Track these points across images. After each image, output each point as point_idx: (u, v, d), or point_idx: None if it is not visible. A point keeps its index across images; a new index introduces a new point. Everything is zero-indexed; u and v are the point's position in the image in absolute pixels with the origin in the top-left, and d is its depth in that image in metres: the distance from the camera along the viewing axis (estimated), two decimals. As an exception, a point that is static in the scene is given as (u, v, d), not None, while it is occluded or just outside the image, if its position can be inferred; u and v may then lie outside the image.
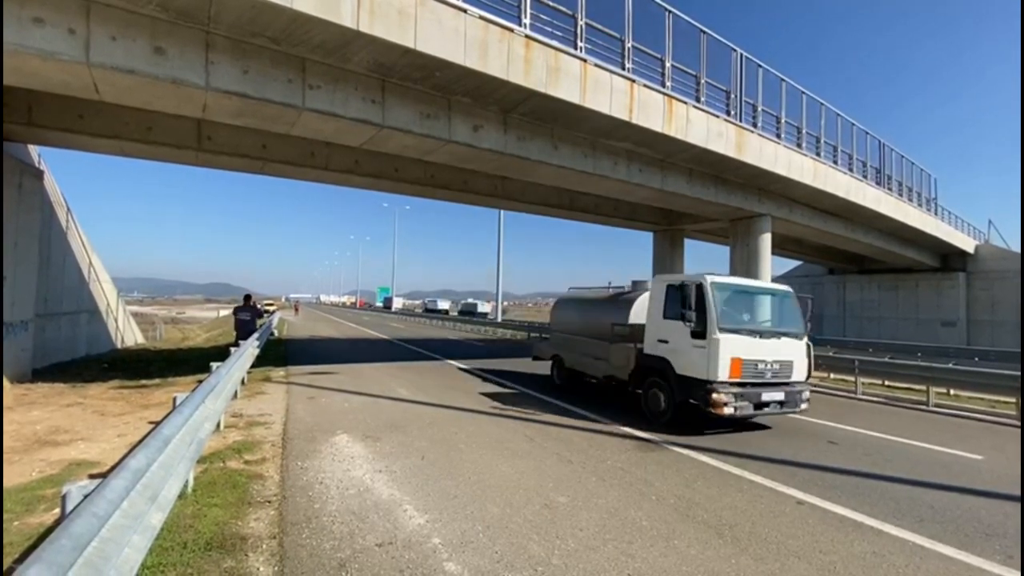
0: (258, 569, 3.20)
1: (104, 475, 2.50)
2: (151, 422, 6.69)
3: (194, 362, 13.14)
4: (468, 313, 60.45)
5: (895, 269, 28.67)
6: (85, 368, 11.88)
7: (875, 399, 10.78)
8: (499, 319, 37.94)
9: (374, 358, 15.45)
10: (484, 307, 63.45)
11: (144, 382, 10.20)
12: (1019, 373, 9.40)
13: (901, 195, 20.09)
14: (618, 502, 4.46)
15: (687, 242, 20.70)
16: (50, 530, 2.86)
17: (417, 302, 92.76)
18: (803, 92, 14.86)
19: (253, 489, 4.51)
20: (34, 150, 11.17)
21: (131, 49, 6.43)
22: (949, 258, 27.10)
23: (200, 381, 5.38)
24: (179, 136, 9.60)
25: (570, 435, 6.80)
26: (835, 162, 15.95)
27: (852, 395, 11.13)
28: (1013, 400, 9.21)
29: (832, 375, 13.49)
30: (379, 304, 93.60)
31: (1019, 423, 8.61)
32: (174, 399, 4.31)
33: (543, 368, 14.08)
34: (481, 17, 7.88)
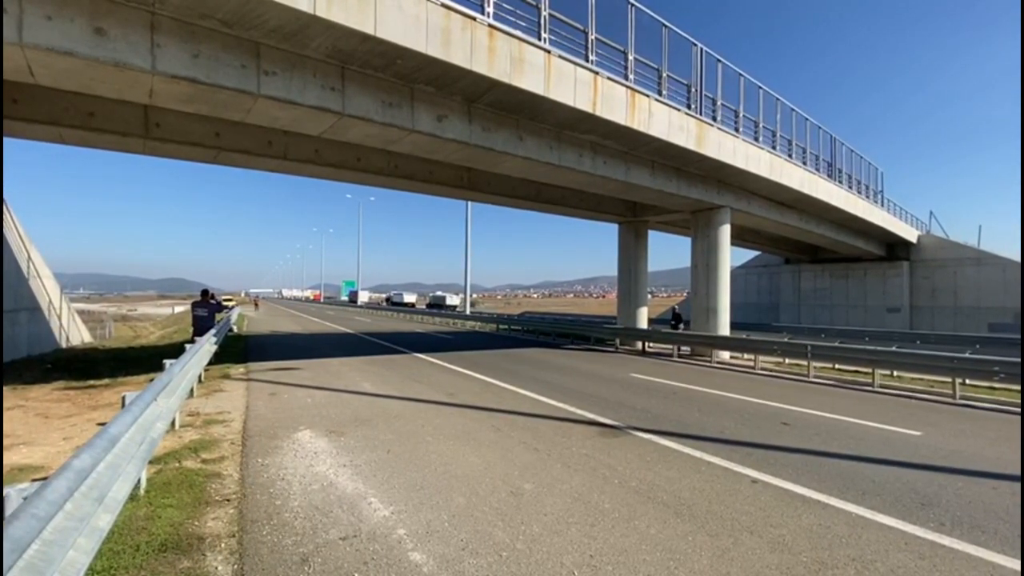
0: (216, 568, 3.12)
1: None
2: (100, 424, 6.40)
3: (147, 361, 12.60)
4: (437, 306, 60.12)
5: (846, 258, 30.12)
6: (26, 369, 11.21)
7: (826, 382, 11.33)
8: (468, 311, 37.89)
9: (338, 353, 15.18)
10: (453, 299, 63.21)
11: (92, 382, 9.71)
12: (953, 355, 10.08)
13: (851, 188, 21.06)
14: (582, 487, 4.55)
15: (651, 234, 21.13)
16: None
17: (384, 295, 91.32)
18: (760, 87, 15.33)
19: (211, 488, 4.38)
20: (-38, 136, 10.39)
21: (68, 30, 6.05)
22: (894, 247, 28.63)
23: (153, 380, 5.17)
24: (125, 123, 9.09)
25: (537, 424, 6.88)
26: (790, 156, 16.57)
27: (805, 379, 11.67)
28: (949, 380, 9.85)
29: (787, 360, 14.09)
30: (344, 298, 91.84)
31: (954, 401, 9.24)
32: (123, 398, 4.13)
33: (512, 360, 14.18)
34: (443, 4, 7.77)
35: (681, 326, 18.81)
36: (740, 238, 25.45)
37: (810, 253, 31.23)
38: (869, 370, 11.11)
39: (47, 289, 15.73)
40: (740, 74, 14.62)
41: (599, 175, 12.53)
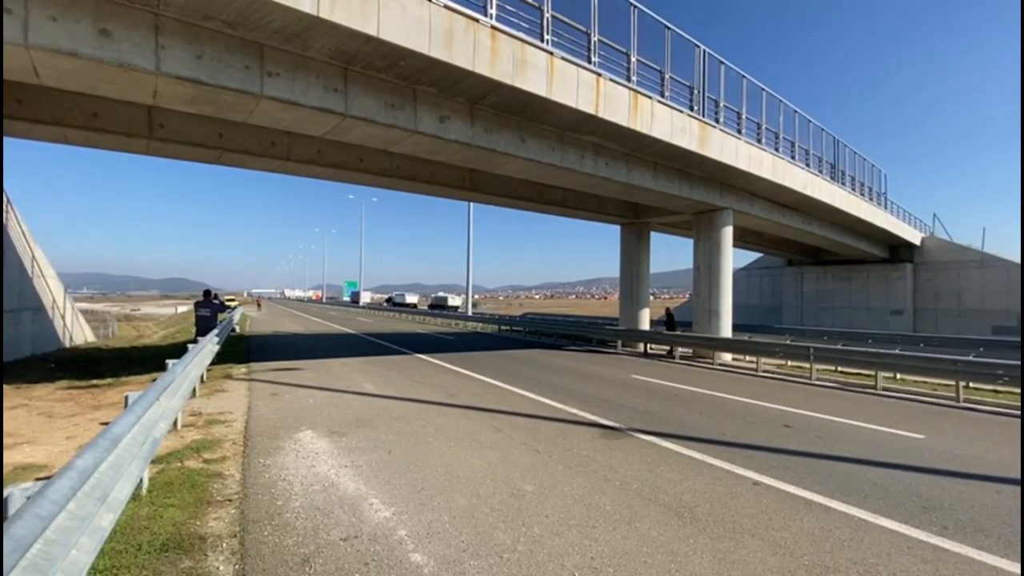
0: (217, 568, 3.13)
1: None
2: (103, 423, 6.43)
3: (149, 360, 12.63)
4: (439, 307, 60.17)
5: (848, 260, 30.04)
6: (30, 368, 11.25)
7: (828, 384, 11.29)
8: (469, 312, 37.91)
9: (340, 353, 15.20)
10: (455, 300, 63.23)
11: (95, 382, 9.74)
12: (956, 358, 10.03)
13: (854, 190, 21.01)
14: (583, 489, 4.55)
15: (653, 235, 21.11)
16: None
17: (386, 296, 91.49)
18: (763, 89, 15.31)
19: (213, 488, 4.39)
20: (-33, 137, 10.43)
21: (73, 31, 6.08)
22: (897, 250, 28.54)
23: (156, 380, 5.18)
24: (128, 123, 9.13)
25: (538, 425, 6.88)
26: (793, 158, 16.54)
27: (807, 381, 11.63)
28: (952, 383, 9.82)
29: (789, 362, 14.04)
30: (346, 299, 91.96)
31: (957, 404, 9.20)
32: (126, 398, 4.15)
33: (513, 361, 14.17)
34: (446, 6, 7.79)
35: (679, 328, 18.77)
36: (742, 240, 25.40)
37: (813, 255, 31.15)
38: (872, 373, 11.06)
39: (51, 288, 15.79)
40: (743, 76, 14.60)
41: (601, 176, 12.53)
